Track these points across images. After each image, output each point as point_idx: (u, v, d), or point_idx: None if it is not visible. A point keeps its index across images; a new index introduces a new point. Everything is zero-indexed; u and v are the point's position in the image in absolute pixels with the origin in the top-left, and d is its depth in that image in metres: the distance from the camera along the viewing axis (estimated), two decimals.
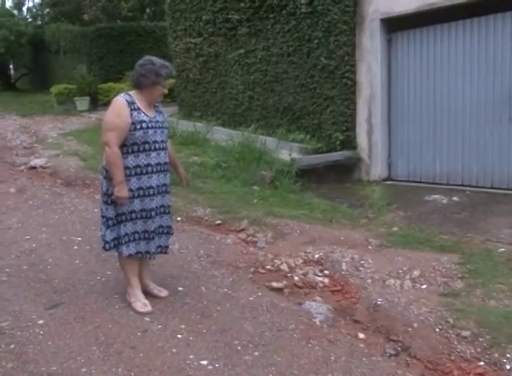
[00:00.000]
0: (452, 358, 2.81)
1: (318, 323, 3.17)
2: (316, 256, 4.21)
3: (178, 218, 5.10)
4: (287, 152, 7.24)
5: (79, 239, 4.53)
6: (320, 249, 4.34)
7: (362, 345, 2.99)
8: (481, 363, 2.74)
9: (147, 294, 3.35)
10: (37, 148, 9.11)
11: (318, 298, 3.56)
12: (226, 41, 9.47)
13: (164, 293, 3.42)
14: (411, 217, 5.41)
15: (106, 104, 13.49)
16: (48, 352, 2.78)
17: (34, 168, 7.58)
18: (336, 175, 7.13)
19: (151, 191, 3.18)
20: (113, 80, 14.69)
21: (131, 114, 3.08)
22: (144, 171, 3.15)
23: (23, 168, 7.65)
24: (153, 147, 3.16)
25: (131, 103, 3.11)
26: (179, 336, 2.96)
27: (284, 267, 4.02)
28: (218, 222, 5.14)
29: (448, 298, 3.45)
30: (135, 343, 2.87)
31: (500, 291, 3.43)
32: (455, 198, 5.88)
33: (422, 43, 6.63)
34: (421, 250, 4.39)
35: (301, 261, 4.16)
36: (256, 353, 2.81)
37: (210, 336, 2.97)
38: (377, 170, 7.14)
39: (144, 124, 3.11)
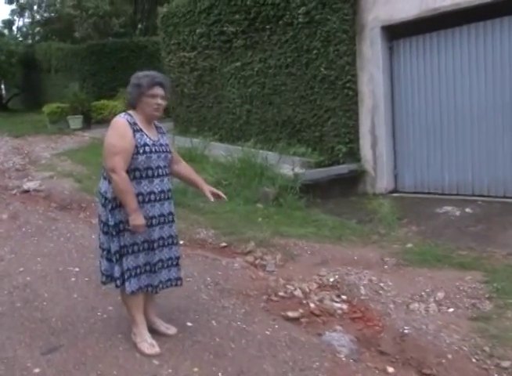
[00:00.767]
0: None
1: (343, 358, 2.88)
2: (331, 279, 3.96)
3: (181, 242, 4.80)
4: (289, 167, 6.94)
5: (76, 269, 4.23)
6: (334, 271, 4.10)
7: None
8: None
9: (154, 331, 3.03)
10: (30, 170, 8.84)
11: (338, 328, 3.29)
12: (221, 54, 9.25)
13: (172, 330, 3.11)
14: (425, 232, 5.16)
15: (100, 122, 13.39)
16: None
17: (27, 191, 7.29)
18: (340, 189, 6.89)
19: (154, 221, 2.89)
20: (106, 97, 14.56)
21: (134, 136, 2.81)
22: (147, 200, 2.86)
23: (15, 191, 7.36)
24: (156, 173, 2.88)
25: (133, 124, 2.83)
26: None
27: (298, 293, 3.76)
28: (223, 244, 4.89)
29: (480, 322, 3.22)
30: None
31: None
32: (467, 210, 5.64)
33: (425, 50, 6.43)
34: (440, 268, 4.18)
35: (316, 285, 3.90)
36: None
37: None
38: (383, 182, 6.89)
39: (147, 148, 2.84)
